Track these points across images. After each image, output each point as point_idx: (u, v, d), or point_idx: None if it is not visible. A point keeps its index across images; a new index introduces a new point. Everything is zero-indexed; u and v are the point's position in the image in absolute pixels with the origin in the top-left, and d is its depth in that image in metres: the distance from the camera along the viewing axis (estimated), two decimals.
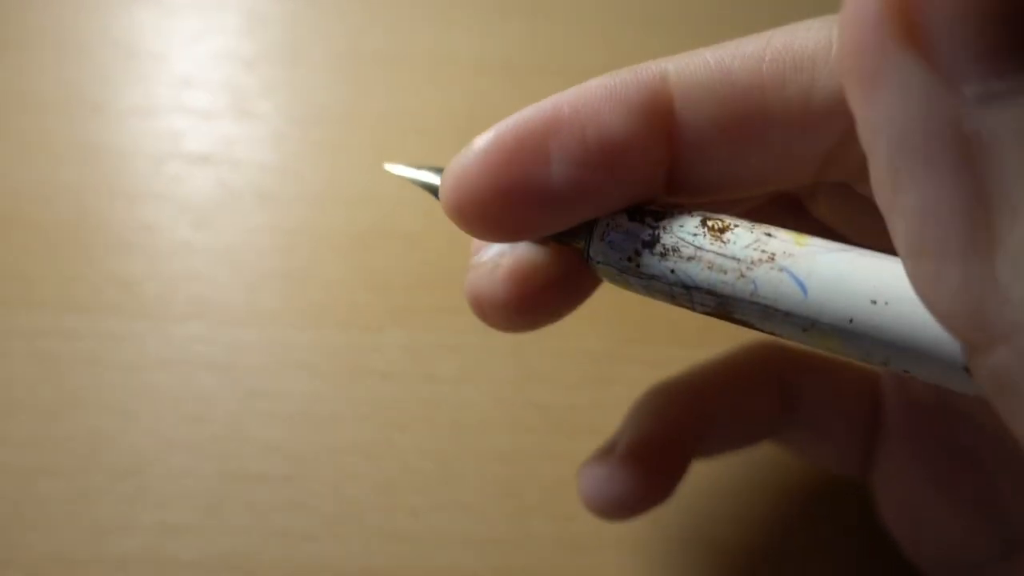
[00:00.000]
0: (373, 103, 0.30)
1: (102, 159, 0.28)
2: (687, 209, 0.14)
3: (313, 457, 0.24)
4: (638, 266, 0.14)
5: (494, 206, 0.14)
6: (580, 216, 0.14)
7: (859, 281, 0.13)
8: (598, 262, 0.15)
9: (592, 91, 0.14)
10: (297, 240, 0.27)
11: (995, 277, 0.10)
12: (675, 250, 0.14)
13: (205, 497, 0.23)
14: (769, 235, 0.14)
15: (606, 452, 0.19)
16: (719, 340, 0.26)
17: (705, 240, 0.14)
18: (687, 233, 0.14)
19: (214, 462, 0.24)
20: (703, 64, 0.14)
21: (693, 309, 0.15)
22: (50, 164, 0.28)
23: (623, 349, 0.26)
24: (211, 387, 0.25)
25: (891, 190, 0.11)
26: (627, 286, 0.15)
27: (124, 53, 0.30)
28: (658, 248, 0.14)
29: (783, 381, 0.20)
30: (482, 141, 0.14)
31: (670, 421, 0.19)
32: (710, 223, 0.14)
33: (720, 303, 0.14)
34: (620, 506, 0.18)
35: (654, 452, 0.18)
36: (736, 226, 0.14)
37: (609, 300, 0.27)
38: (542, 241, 0.16)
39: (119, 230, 0.27)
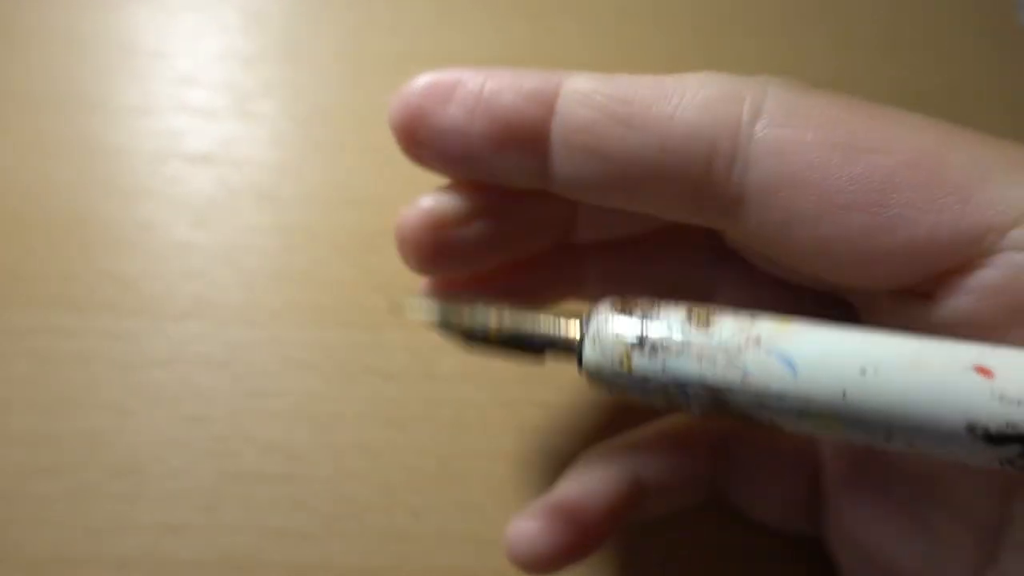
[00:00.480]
0: (374, 102, 0.30)
1: (101, 157, 0.28)
2: (672, 304, 0.15)
3: (313, 456, 0.24)
4: (630, 371, 0.15)
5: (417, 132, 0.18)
6: (482, 169, 0.18)
7: (846, 353, 0.13)
8: (593, 374, 0.15)
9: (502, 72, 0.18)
10: (297, 239, 0.27)
11: None
12: (664, 347, 0.14)
13: (204, 496, 0.23)
14: (753, 319, 0.14)
15: (536, 507, 0.19)
16: None
17: (691, 332, 0.14)
18: (675, 327, 0.14)
19: (213, 461, 0.24)
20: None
21: (691, 410, 0.15)
22: (49, 162, 0.28)
23: None
24: (210, 386, 0.25)
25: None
26: (624, 393, 0.15)
27: (124, 51, 0.30)
28: (647, 346, 0.14)
29: (720, 443, 0.21)
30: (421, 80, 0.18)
31: (602, 481, 0.19)
32: (695, 313, 0.14)
33: (714, 396, 0.14)
34: (537, 561, 0.19)
35: (578, 512, 0.19)
36: (721, 314, 0.14)
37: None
38: (537, 356, 0.17)
39: (118, 229, 0.27)
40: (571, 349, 0.16)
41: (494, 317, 0.17)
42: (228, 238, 0.27)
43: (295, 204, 0.28)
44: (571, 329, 0.16)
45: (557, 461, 0.24)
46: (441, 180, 0.20)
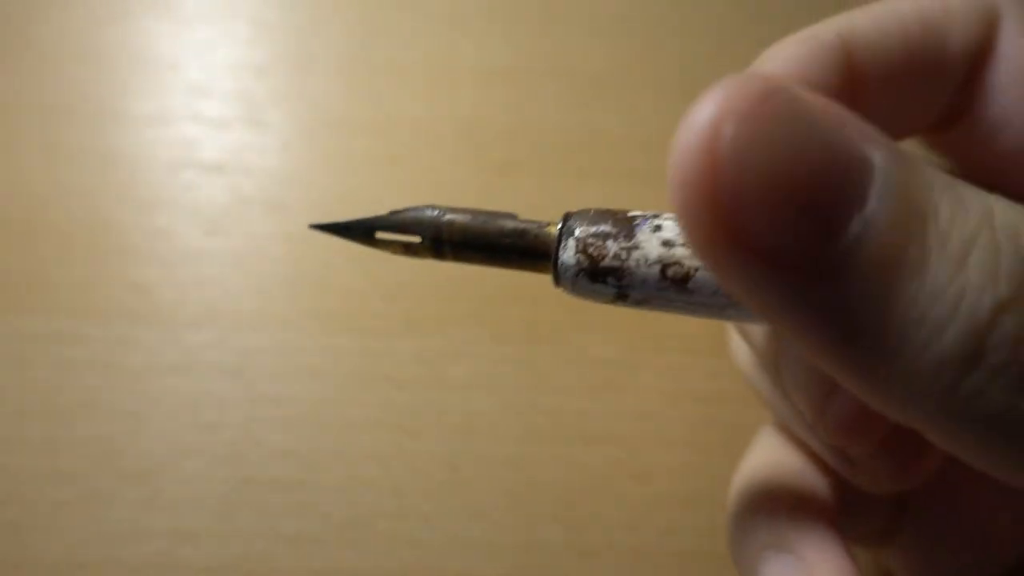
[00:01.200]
0: (383, 110, 0.30)
1: (116, 166, 0.28)
2: (644, 259, 0.14)
3: (324, 463, 0.24)
4: (625, 300, 0.14)
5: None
6: None
7: None
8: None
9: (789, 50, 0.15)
10: (308, 247, 0.27)
11: (908, 383, 0.11)
12: (647, 302, 0.14)
13: (217, 503, 0.23)
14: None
15: None
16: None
17: (671, 292, 0.14)
18: (652, 288, 0.14)
19: (226, 467, 0.24)
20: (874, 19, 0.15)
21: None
22: (64, 171, 0.28)
23: (635, 356, 0.26)
24: (223, 392, 0.25)
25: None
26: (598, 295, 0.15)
27: (137, 62, 0.31)
28: (632, 299, 0.14)
29: None
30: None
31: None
32: (670, 273, 0.14)
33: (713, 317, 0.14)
34: None
35: None
36: (697, 269, 0.14)
37: (623, 308, 0.27)
38: (503, 266, 0.15)
39: (133, 237, 0.27)
40: (539, 266, 0.15)
41: (445, 225, 0.15)
42: (240, 245, 0.27)
43: (306, 211, 0.28)
44: (543, 250, 0.15)
45: (568, 468, 0.24)
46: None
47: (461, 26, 0.32)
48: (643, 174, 0.29)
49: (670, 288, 0.14)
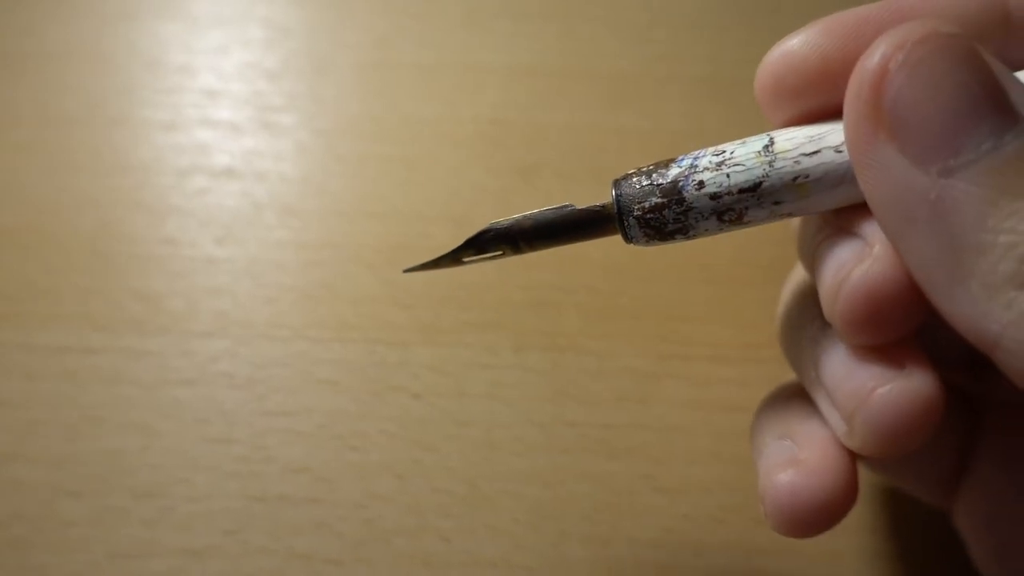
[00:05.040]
0: (400, 113, 0.29)
1: (126, 173, 0.28)
2: (701, 215, 0.16)
3: (338, 478, 0.23)
4: (693, 239, 0.16)
5: None
6: None
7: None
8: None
9: None
10: (322, 254, 0.27)
11: (974, 300, 0.13)
12: (707, 230, 0.16)
13: (228, 520, 0.23)
14: (777, 203, 0.15)
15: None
16: (763, 358, 0.25)
17: (730, 228, 0.16)
18: (715, 231, 0.16)
19: (237, 483, 0.23)
20: None
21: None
22: (74, 177, 0.28)
23: (662, 366, 0.25)
24: (234, 406, 0.24)
25: (894, 243, 0.14)
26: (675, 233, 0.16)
27: (149, 66, 0.30)
28: (698, 235, 0.16)
29: None
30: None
31: None
32: (726, 217, 0.16)
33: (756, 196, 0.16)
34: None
35: None
36: (747, 208, 0.15)
37: (648, 315, 0.26)
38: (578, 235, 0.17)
39: (143, 244, 0.27)
40: (611, 223, 0.17)
41: (521, 217, 0.17)
42: (252, 253, 0.27)
43: (318, 218, 0.27)
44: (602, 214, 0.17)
45: (593, 483, 0.23)
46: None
47: (478, 26, 0.31)
48: None
49: (728, 226, 0.16)
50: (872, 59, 0.14)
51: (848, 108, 0.14)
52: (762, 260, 0.26)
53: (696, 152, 0.16)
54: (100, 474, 0.23)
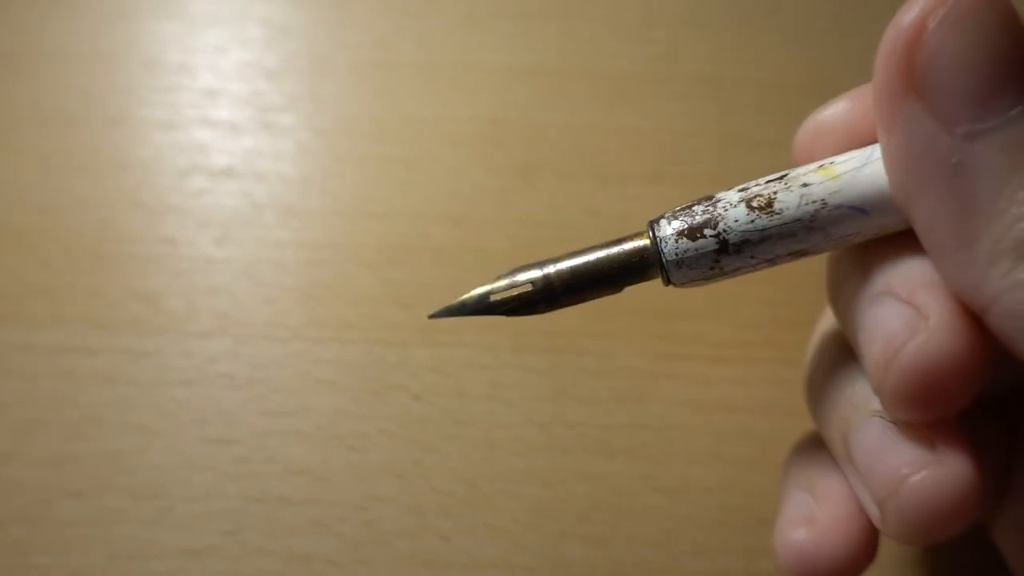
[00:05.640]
0: (400, 113, 0.29)
1: (124, 172, 0.28)
2: (719, 200, 0.16)
3: (338, 479, 0.23)
4: (722, 269, 0.16)
5: None
6: None
7: (879, 174, 0.15)
8: (684, 284, 0.16)
9: None
10: (322, 254, 0.27)
11: (976, 264, 0.13)
12: (746, 243, 0.16)
13: (228, 520, 0.23)
14: (805, 185, 0.15)
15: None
16: (763, 358, 0.25)
17: (763, 219, 0.15)
18: (745, 223, 0.16)
19: (237, 483, 0.23)
20: None
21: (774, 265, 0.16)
22: (72, 177, 0.28)
23: (662, 366, 0.25)
24: (233, 406, 0.24)
25: (907, 205, 0.14)
26: (712, 282, 0.16)
27: (147, 65, 0.30)
28: (731, 249, 0.16)
29: None
30: None
31: None
32: (755, 203, 0.16)
33: (802, 254, 0.16)
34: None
35: None
36: (775, 193, 0.16)
37: (647, 315, 0.26)
38: (615, 289, 0.17)
39: (141, 244, 0.27)
40: (647, 273, 0.16)
41: (552, 271, 0.17)
42: (251, 253, 0.27)
43: (318, 218, 0.27)
44: (642, 252, 0.16)
45: (593, 483, 0.23)
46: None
47: (478, 26, 0.31)
48: (668, 176, 0.28)
49: (760, 217, 0.15)
50: (910, 14, 0.13)
51: (880, 64, 0.14)
52: None
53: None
54: (99, 474, 0.23)
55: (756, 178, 0.16)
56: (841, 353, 0.17)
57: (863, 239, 0.16)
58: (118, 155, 0.28)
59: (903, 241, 0.15)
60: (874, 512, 0.15)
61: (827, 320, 0.19)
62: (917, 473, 0.14)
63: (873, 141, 0.15)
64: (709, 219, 0.16)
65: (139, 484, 0.23)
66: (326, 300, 0.26)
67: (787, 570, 0.16)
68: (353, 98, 0.30)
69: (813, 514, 0.17)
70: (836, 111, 0.16)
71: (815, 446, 0.18)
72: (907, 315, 0.14)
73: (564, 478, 0.23)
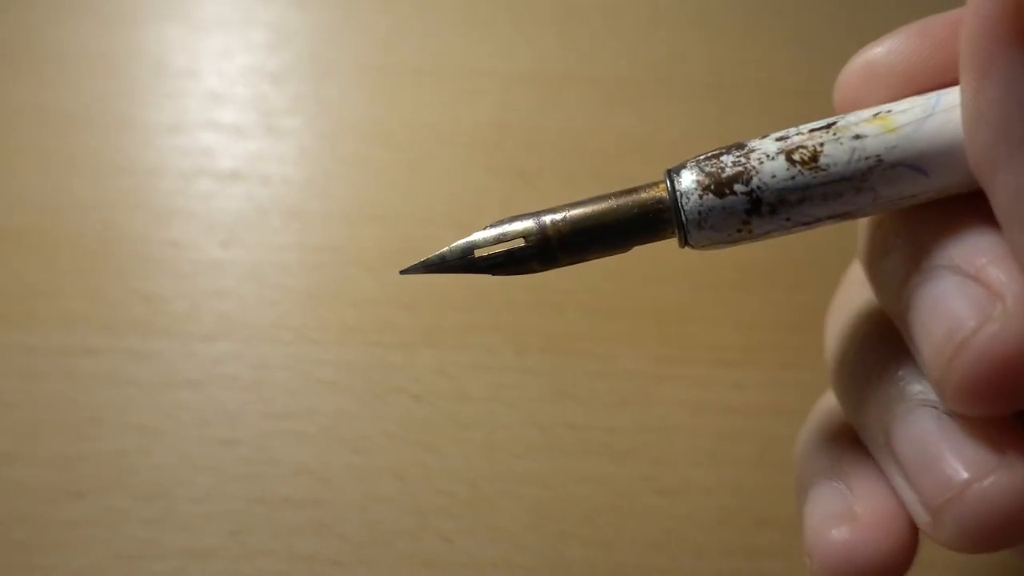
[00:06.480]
0: (402, 117, 0.29)
1: (130, 175, 0.28)
2: (753, 150, 0.13)
3: (341, 480, 0.23)
4: (751, 232, 0.13)
5: None
6: None
7: (951, 128, 0.13)
8: (704, 247, 0.14)
9: None
10: (326, 257, 0.27)
11: None
12: (783, 203, 0.13)
13: (231, 521, 0.23)
14: (858, 137, 0.13)
15: None
16: (764, 360, 0.25)
17: (804, 176, 0.13)
18: (784, 179, 0.13)
19: (240, 484, 0.23)
20: None
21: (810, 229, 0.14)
22: (78, 180, 0.28)
23: (663, 368, 0.25)
24: (237, 407, 0.24)
25: (990, 170, 0.12)
26: (735, 245, 0.14)
27: (153, 69, 0.30)
28: (765, 210, 0.13)
29: None
30: None
31: None
32: (796, 156, 0.13)
33: (843, 218, 0.13)
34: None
35: None
36: (821, 144, 0.13)
37: (649, 317, 0.26)
38: (622, 248, 0.14)
39: (146, 247, 0.27)
40: (662, 232, 0.14)
41: (548, 222, 0.14)
42: (255, 256, 0.27)
43: (322, 221, 0.27)
44: (657, 206, 0.14)
45: (595, 485, 0.23)
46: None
47: (480, 29, 0.31)
48: None
49: (802, 173, 0.13)
50: None
51: (974, 7, 0.12)
52: (763, 262, 0.26)
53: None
54: (102, 475, 0.23)
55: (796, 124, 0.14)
56: (880, 330, 0.15)
57: (915, 203, 0.13)
58: (124, 158, 0.28)
59: (963, 207, 0.13)
60: (921, 514, 0.14)
61: (853, 289, 0.17)
62: (983, 479, 0.12)
63: (935, 87, 0.13)
64: (741, 172, 0.13)
65: (142, 485, 0.23)
66: (329, 302, 0.26)
67: (825, 570, 0.14)
68: (356, 102, 0.30)
69: (852, 509, 0.15)
70: (893, 48, 0.14)
71: (843, 434, 0.16)
72: (976, 295, 0.12)
73: (565, 479, 0.23)
